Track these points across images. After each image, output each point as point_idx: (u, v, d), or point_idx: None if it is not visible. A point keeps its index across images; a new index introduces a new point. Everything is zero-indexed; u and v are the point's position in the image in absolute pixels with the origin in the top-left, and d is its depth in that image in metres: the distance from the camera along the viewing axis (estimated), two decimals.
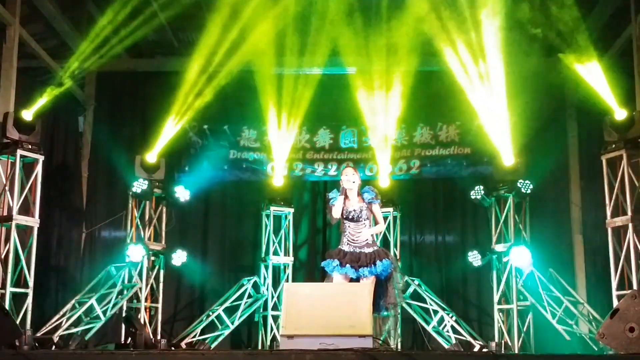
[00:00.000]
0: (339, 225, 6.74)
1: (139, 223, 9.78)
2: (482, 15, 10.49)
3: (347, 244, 6.57)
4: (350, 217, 6.56)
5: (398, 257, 10.23)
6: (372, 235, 6.62)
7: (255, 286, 10.01)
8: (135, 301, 9.62)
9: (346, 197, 6.60)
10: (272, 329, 10.06)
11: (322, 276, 6.90)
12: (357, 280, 6.47)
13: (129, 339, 8.72)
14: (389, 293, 6.46)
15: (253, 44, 11.09)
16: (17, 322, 7.51)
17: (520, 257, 9.17)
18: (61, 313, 8.91)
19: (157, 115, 10.79)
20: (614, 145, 8.21)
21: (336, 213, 6.56)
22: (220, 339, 9.66)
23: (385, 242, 10.38)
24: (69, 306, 8.99)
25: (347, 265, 6.44)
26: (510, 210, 9.56)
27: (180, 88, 11.05)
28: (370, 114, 11.07)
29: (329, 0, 10.25)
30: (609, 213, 8.26)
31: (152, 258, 9.87)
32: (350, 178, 6.59)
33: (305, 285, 6.56)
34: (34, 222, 8.47)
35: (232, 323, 9.69)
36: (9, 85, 8.92)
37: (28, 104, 8.83)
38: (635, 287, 7.65)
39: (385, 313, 6.65)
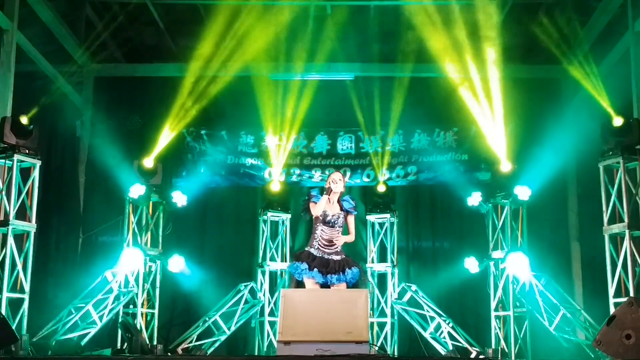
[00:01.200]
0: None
1: (135, 228, 9.76)
2: (480, 22, 10.53)
3: (317, 248, 6.63)
4: (327, 220, 6.64)
5: (395, 263, 10.23)
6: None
7: (252, 292, 9.98)
8: (131, 306, 9.60)
9: (328, 199, 6.67)
10: (268, 335, 10.04)
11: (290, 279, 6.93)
12: (325, 285, 6.51)
13: (125, 344, 8.70)
14: None
15: (251, 50, 11.12)
16: (14, 327, 7.49)
17: (517, 264, 9.18)
18: (57, 318, 8.88)
19: (154, 120, 10.80)
20: (611, 153, 8.22)
21: (318, 211, 6.63)
22: (216, 344, 9.62)
23: (382, 248, 10.39)
24: (65, 311, 8.96)
25: (315, 269, 6.50)
26: (507, 217, 9.57)
27: (177, 93, 11.05)
28: (368, 119, 11.10)
29: (326, 6, 10.28)
30: (605, 220, 8.26)
31: (149, 263, 9.85)
32: (337, 182, 6.68)
33: (302, 292, 6.54)
34: (30, 227, 8.45)
35: (229, 329, 9.66)
36: (6, 90, 8.91)
37: (25, 108, 8.82)
38: (632, 294, 7.65)
39: None
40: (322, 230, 6.66)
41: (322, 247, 6.62)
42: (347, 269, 6.56)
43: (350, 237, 6.88)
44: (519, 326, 9.40)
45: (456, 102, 11.18)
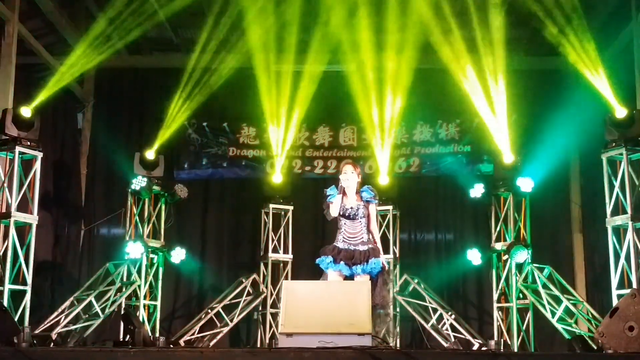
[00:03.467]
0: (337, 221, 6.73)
1: (137, 220, 9.75)
2: (482, 12, 10.48)
3: (342, 241, 6.57)
4: (347, 214, 6.55)
5: (397, 256, 10.22)
6: (366, 233, 6.60)
7: (255, 284, 9.99)
8: (133, 298, 9.60)
9: (344, 194, 6.58)
10: (271, 327, 10.04)
11: (320, 273, 6.89)
12: (351, 277, 6.47)
13: (128, 336, 8.70)
14: (375, 293, 6.42)
15: (252, 41, 11.08)
16: (16, 319, 7.50)
17: (519, 255, 9.18)
18: (59, 310, 8.88)
19: (156, 112, 10.78)
20: (614, 144, 8.19)
21: (334, 212, 6.54)
22: (219, 336, 9.64)
23: (384, 240, 10.35)
24: (67, 303, 8.97)
25: (341, 262, 6.46)
26: (509, 209, 9.55)
27: (179, 85, 11.03)
28: (370, 111, 11.07)
29: None
30: (609, 212, 8.24)
31: (151, 255, 9.85)
32: (348, 176, 6.57)
33: (304, 283, 6.51)
34: (32, 219, 8.45)
35: (231, 321, 9.67)
36: (7, 82, 8.90)
37: (27, 100, 8.80)
38: (635, 286, 7.64)
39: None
40: (344, 223, 6.60)
41: (346, 239, 6.57)
42: (370, 259, 6.50)
43: (377, 234, 6.79)
44: (522, 318, 9.40)
45: (459, 93, 11.15)
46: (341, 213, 6.57)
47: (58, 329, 8.61)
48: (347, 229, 6.58)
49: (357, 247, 6.53)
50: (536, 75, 11.12)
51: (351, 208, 6.56)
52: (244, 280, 9.88)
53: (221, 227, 11.19)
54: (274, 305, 10.13)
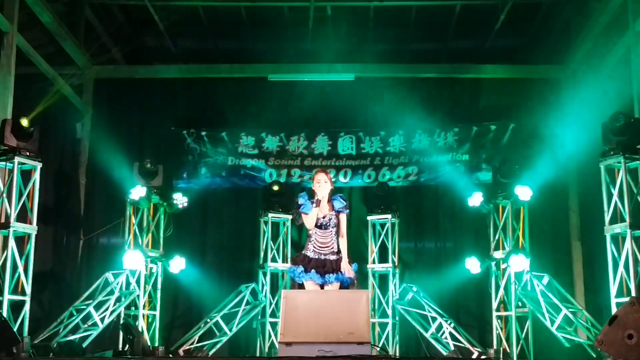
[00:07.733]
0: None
1: (136, 230, 9.75)
2: (482, 20, 10.54)
3: (313, 250, 6.62)
4: (319, 224, 6.60)
5: (396, 264, 10.23)
6: (337, 243, 6.66)
7: (254, 293, 9.98)
8: (133, 308, 9.59)
9: (317, 204, 6.61)
10: (270, 336, 10.03)
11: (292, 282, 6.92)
12: (322, 286, 6.51)
13: (127, 346, 8.70)
14: None
15: (251, 51, 11.14)
16: (15, 329, 7.48)
17: (518, 264, 9.18)
18: (59, 320, 8.87)
19: (155, 122, 10.79)
20: (612, 152, 8.20)
21: (310, 224, 6.59)
22: (218, 346, 9.62)
23: (383, 248, 10.38)
24: (66, 313, 8.96)
25: (312, 270, 6.50)
26: (508, 217, 9.56)
27: (178, 95, 11.05)
28: (369, 120, 11.11)
29: (327, 6, 10.29)
30: (607, 220, 8.24)
31: (150, 265, 9.85)
32: (322, 185, 6.65)
33: (303, 292, 6.53)
34: (31, 229, 8.44)
35: (230, 330, 9.66)
36: (6, 92, 8.90)
37: (26, 110, 8.81)
38: (633, 294, 7.63)
39: None
40: (316, 233, 6.64)
41: (317, 249, 6.61)
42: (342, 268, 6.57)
43: (342, 241, 6.81)
44: (521, 326, 9.40)
45: (457, 102, 11.19)
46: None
47: (57, 339, 8.60)
48: (317, 238, 6.63)
49: (327, 257, 6.58)
50: (534, 84, 11.15)
51: (323, 218, 6.62)
52: (243, 290, 9.87)
53: (220, 236, 11.18)
54: (273, 314, 10.12)
